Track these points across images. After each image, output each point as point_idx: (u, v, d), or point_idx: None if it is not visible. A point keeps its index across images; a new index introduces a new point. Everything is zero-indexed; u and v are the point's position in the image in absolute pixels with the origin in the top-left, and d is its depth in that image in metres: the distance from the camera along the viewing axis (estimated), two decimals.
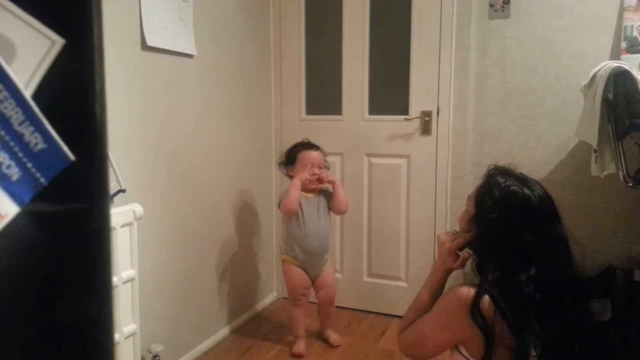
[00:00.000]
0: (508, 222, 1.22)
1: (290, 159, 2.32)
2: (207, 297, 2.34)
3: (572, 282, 1.22)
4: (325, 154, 2.36)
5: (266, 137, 2.82)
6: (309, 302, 2.44)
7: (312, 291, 2.40)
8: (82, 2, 0.41)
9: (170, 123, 2.06)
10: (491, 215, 1.23)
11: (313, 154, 2.29)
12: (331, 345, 2.38)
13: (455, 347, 1.26)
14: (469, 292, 1.20)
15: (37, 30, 0.38)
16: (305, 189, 2.29)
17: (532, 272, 1.16)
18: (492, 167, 1.34)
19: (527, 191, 1.22)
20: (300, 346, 2.33)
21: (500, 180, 1.26)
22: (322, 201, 2.33)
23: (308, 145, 2.32)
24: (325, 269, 2.35)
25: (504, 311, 1.15)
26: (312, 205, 2.30)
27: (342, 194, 2.32)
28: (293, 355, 2.30)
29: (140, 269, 1.72)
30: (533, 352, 1.14)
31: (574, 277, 1.23)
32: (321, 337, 2.45)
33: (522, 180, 1.26)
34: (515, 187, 1.23)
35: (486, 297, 1.17)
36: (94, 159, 0.43)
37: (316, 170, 2.27)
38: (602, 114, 1.76)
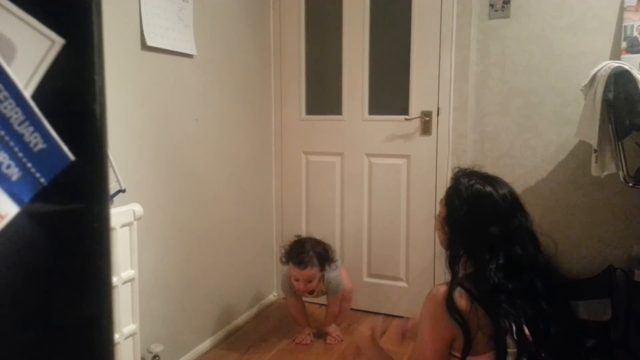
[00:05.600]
0: (475, 217, 1.32)
1: (285, 262, 2.31)
2: (207, 297, 2.34)
3: (542, 270, 1.30)
4: (318, 267, 2.26)
5: (266, 136, 2.82)
6: (316, 304, 2.54)
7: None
8: (82, 2, 0.41)
9: (170, 123, 2.06)
10: (460, 213, 1.34)
11: (297, 273, 2.24)
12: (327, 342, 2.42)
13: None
14: (442, 290, 1.28)
15: (37, 30, 0.38)
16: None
17: (501, 261, 1.25)
18: (456, 169, 1.45)
19: (489, 188, 1.33)
20: (304, 335, 2.41)
21: (464, 180, 1.37)
22: (323, 293, 2.40)
23: (298, 261, 2.22)
24: None
25: (478, 299, 1.22)
26: (315, 298, 2.43)
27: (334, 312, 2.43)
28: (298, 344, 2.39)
29: (140, 269, 1.72)
30: (511, 338, 1.20)
31: (542, 265, 1.32)
32: (322, 334, 2.46)
33: (485, 178, 1.37)
34: (478, 186, 1.34)
35: (459, 290, 1.25)
36: (94, 159, 0.43)
37: (301, 288, 2.28)
38: (602, 113, 1.76)
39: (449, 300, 1.23)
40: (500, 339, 1.19)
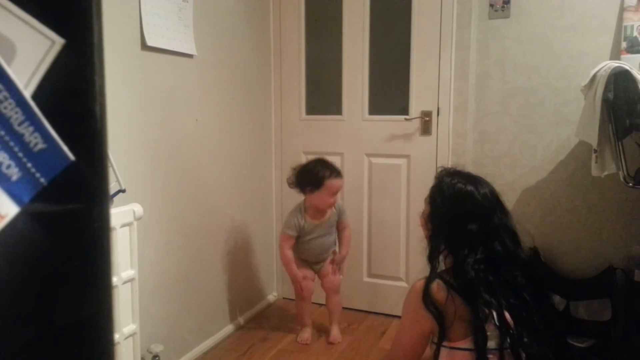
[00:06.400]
0: (455, 214, 1.38)
1: (316, 182, 2.24)
2: (207, 297, 2.34)
3: (521, 265, 1.36)
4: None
5: (266, 137, 2.82)
6: (316, 304, 2.53)
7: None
8: (82, 2, 0.41)
9: (170, 123, 2.06)
10: (441, 210, 1.41)
11: (338, 185, 2.27)
12: (328, 342, 2.40)
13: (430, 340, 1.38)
14: (420, 283, 1.35)
15: (37, 30, 0.38)
16: (316, 213, 2.32)
17: (479, 255, 1.31)
18: (440, 168, 1.52)
19: (470, 187, 1.38)
20: (305, 334, 2.40)
21: (447, 180, 1.43)
22: (332, 221, 2.37)
23: (337, 173, 2.26)
24: (328, 261, 2.43)
25: (456, 289, 1.28)
26: (320, 228, 2.35)
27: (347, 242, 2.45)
28: (298, 343, 2.38)
29: (140, 269, 1.72)
30: (492, 324, 1.25)
31: (522, 260, 1.37)
32: (324, 334, 2.46)
33: (467, 177, 1.43)
34: (460, 185, 1.40)
35: (437, 282, 1.31)
36: (93, 159, 0.43)
37: (332, 202, 2.30)
38: (602, 114, 1.76)
39: (425, 291, 1.30)
40: (479, 326, 1.24)
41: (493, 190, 1.41)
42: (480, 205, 1.36)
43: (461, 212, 1.37)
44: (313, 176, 2.25)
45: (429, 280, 1.32)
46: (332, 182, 2.24)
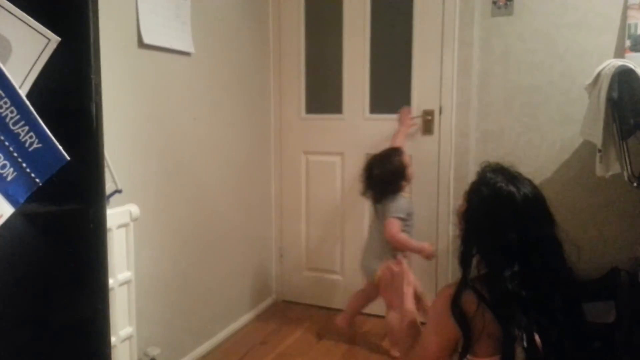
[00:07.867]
0: (492, 219, 1.24)
1: (404, 163, 2.27)
2: (205, 299, 2.32)
3: (563, 281, 1.24)
4: None
5: (265, 136, 2.81)
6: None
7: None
8: (78, 0, 0.42)
9: (168, 122, 2.05)
10: (477, 211, 1.27)
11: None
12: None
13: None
14: (450, 289, 1.24)
15: (33, 28, 0.39)
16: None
17: (516, 268, 1.19)
18: (484, 163, 1.37)
19: (512, 189, 1.23)
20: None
21: (490, 177, 1.28)
22: None
23: (398, 149, 2.30)
24: None
25: (489, 304, 1.18)
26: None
27: None
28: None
29: (137, 271, 1.72)
30: (521, 346, 1.16)
31: (564, 277, 1.24)
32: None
33: (511, 178, 1.26)
34: (501, 184, 1.24)
35: (468, 292, 1.21)
36: (89, 158, 0.43)
37: None
38: (606, 113, 1.75)
39: (455, 301, 1.21)
40: (508, 347, 1.15)
41: (538, 194, 1.27)
42: (520, 210, 1.22)
43: (499, 216, 1.24)
44: (398, 164, 2.26)
45: (460, 289, 1.22)
46: (406, 157, 2.30)
